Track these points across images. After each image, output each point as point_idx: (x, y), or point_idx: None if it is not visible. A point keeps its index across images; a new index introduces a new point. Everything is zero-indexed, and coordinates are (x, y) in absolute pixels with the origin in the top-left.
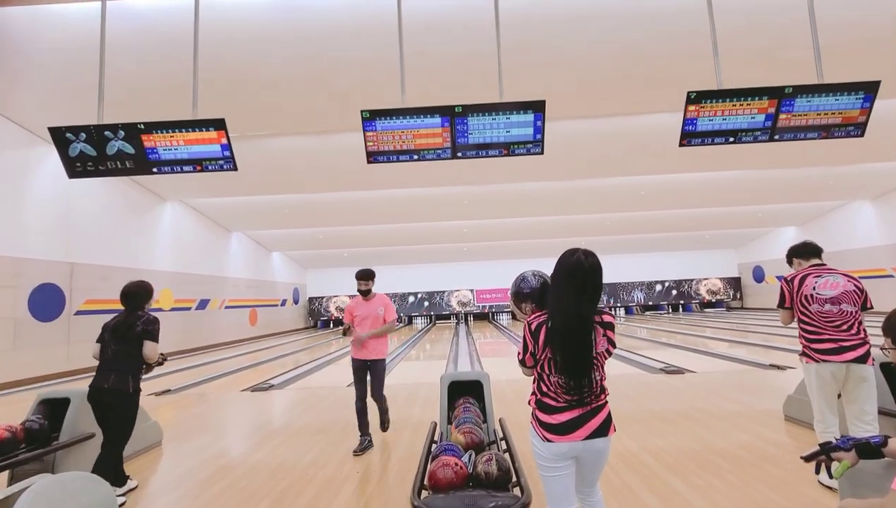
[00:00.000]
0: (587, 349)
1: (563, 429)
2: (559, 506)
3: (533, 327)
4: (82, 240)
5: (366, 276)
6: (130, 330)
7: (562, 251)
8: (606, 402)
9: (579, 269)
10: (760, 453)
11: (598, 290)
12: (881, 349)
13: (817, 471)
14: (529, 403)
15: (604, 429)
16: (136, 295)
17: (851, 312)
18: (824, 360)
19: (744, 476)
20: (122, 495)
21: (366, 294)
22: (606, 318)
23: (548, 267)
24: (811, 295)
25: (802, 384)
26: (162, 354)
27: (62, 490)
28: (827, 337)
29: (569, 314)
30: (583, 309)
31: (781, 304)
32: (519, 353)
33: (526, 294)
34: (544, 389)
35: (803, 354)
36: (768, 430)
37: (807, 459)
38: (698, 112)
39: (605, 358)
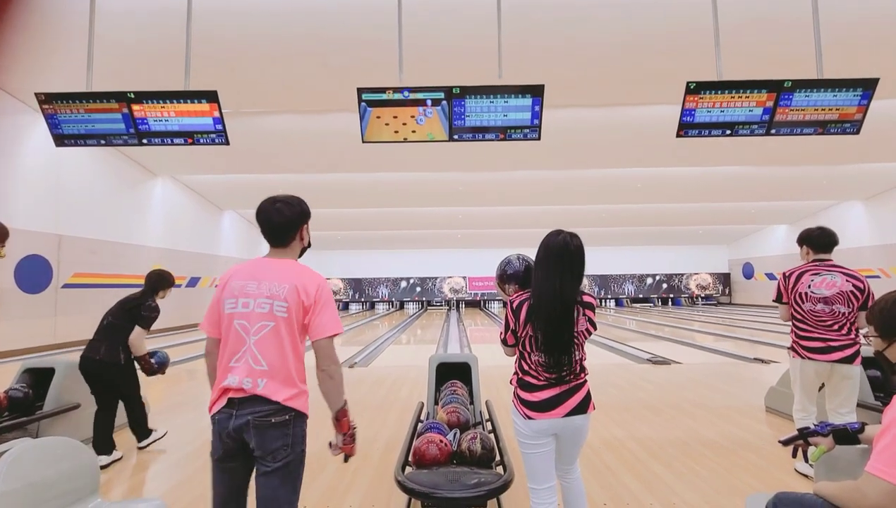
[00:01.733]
0: (568, 327)
1: (544, 407)
2: (539, 482)
3: (515, 305)
4: (71, 213)
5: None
6: (135, 308)
7: None
8: (586, 381)
9: (565, 249)
10: (741, 441)
11: (581, 271)
12: (864, 336)
13: (794, 455)
14: (511, 382)
15: (583, 407)
16: (151, 278)
17: (844, 313)
18: (810, 358)
19: (724, 463)
20: (106, 465)
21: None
22: (586, 299)
23: None
24: (805, 294)
25: (784, 377)
26: (156, 363)
27: (42, 454)
28: (816, 335)
29: (551, 292)
30: (566, 288)
31: (778, 299)
32: (501, 333)
33: (510, 275)
34: (525, 368)
35: (791, 348)
36: (750, 420)
37: (784, 443)
38: (697, 102)
39: (585, 338)
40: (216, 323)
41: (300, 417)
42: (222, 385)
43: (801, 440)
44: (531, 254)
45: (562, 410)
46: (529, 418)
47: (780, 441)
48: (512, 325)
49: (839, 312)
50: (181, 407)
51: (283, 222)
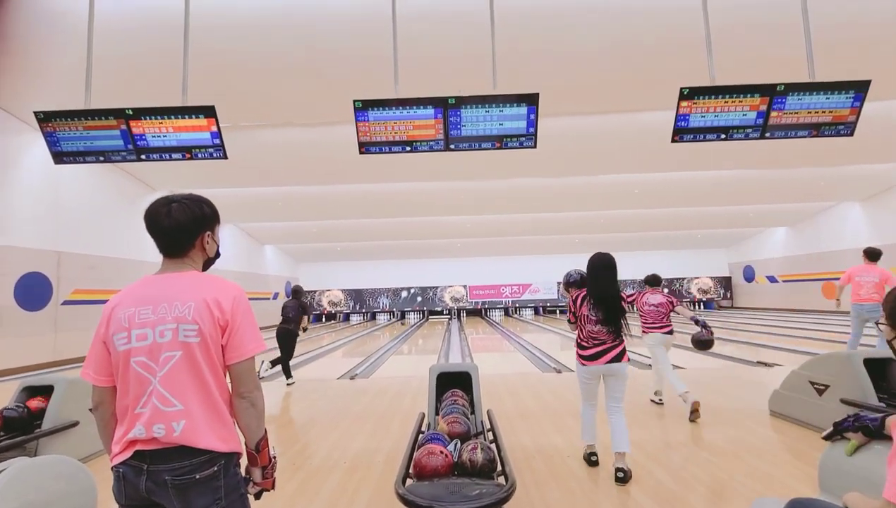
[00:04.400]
0: (618, 307)
1: (591, 358)
2: (586, 400)
3: (574, 297)
4: (70, 229)
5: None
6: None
7: (555, 248)
8: (620, 344)
9: (599, 262)
10: (745, 446)
11: (613, 273)
12: (876, 324)
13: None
14: (575, 346)
15: (618, 357)
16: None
17: (664, 312)
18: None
19: (728, 468)
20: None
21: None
22: (623, 294)
23: (539, 264)
24: (644, 302)
25: (788, 380)
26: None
27: (39, 472)
28: (654, 323)
29: (600, 288)
30: (607, 284)
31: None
32: (568, 314)
33: (571, 283)
34: (581, 337)
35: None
36: (754, 424)
37: (826, 438)
38: (691, 108)
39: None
40: (104, 368)
41: (231, 460)
42: (127, 437)
43: (837, 435)
44: (535, 264)
45: (603, 360)
46: (584, 364)
47: (822, 438)
48: (573, 310)
49: (662, 313)
50: None
51: (174, 227)
